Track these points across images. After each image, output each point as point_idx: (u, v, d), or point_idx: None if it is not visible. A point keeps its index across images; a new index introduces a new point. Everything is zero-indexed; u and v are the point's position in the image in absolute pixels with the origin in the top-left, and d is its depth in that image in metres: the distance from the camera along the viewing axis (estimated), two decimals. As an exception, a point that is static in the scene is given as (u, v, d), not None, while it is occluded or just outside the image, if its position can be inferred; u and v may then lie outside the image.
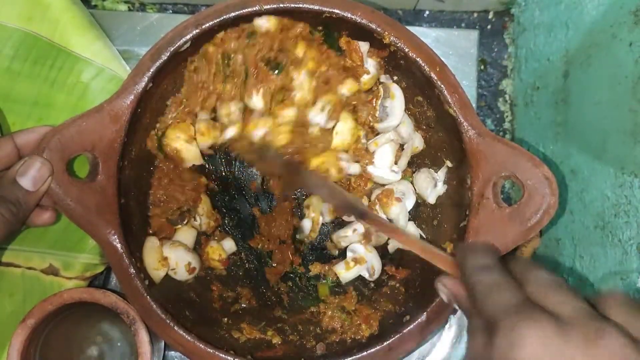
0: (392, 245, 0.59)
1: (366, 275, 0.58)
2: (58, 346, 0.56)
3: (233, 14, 0.48)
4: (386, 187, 0.57)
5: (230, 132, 0.53)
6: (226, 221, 0.63)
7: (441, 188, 0.55)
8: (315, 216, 0.60)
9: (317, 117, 0.53)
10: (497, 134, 0.69)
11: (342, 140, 0.55)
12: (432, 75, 0.48)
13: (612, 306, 0.31)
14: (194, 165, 0.56)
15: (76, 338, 0.59)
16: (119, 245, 0.47)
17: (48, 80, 0.57)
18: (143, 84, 0.47)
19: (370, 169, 0.56)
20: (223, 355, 0.47)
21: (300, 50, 0.52)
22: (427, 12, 0.72)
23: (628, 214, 0.45)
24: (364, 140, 0.58)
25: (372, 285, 0.59)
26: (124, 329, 0.59)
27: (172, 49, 0.48)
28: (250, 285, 0.60)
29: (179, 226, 0.56)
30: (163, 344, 0.58)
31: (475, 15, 0.72)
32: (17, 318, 0.52)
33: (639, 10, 0.45)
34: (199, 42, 0.50)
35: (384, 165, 0.56)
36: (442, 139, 0.54)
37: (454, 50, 0.68)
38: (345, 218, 0.60)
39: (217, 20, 0.48)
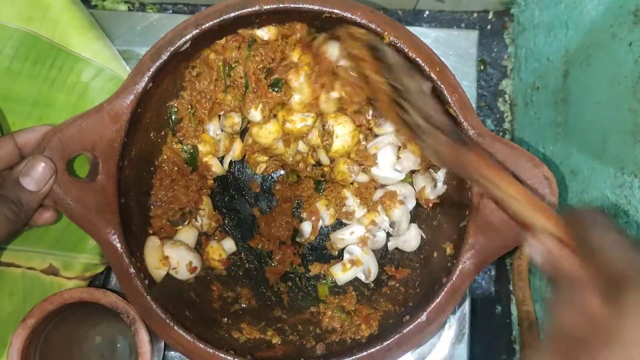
0: (392, 243, 0.59)
1: (362, 278, 0.58)
2: (58, 346, 0.56)
3: (233, 14, 0.48)
4: (389, 188, 0.57)
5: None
6: (226, 221, 0.63)
7: (441, 188, 0.55)
8: (315, 220, 0.61)
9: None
10: (497, 134, 0.69)
11: (343, 143, 0.55)
12: (432, 75, 0.48)
13: None
14: None
15: (76, 338, 0.59)
16: (118, 245, 0.47)
17: (48, 80, 0.57)
18: (143, 84, 0.47)
19: (374, 170, 0.56)
20: (223, 355, 0.47)
21: (296, 56, 0.52)
22: (426, 12, 0.72)
23: (628, 214, 0.45)
24: (363, 143, 0.58)
25: (372, 285, 0.59)
26: (124, 329, 0.59)
27: (172, 48, 0.48)
28: (250, 285, 0.60)
29: (180, 227, 0.56)
30: (163, 343, 0.58)
31: (475, 15, 0.72)
32: (17, 318, 0.52)
33: (638, 10, 0.45)
34: (199, 42, 0.50)
35: (387, 165, 0.56)
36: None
37: (453, 51, 0.68)
38: (349, 218, 0.60)
39: (217, 20, 0.48)
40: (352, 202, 0.58)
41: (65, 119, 0.46)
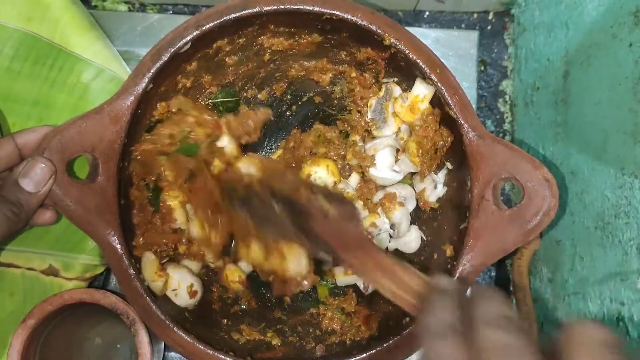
0: (392, 245, 0.59)
1: (360, 287, 0.58)
2: (58, 346, 0.56)
3: (234, 15, 0.48)
4: (389, 190, 0.57)
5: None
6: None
7: (441, 190, 0.55)
8: None
9: None
10: (497, 135, 0.69)
11: (324, 184, 0.56)
12: (433, 77, 0.48)
13: (576, 347, 0.26)
14: None
15: (76, 338, 0.59)
16: (118, 246, 0.47)
17: (48, 80, 0.57)
18: (143, 85, 0.47)
19: (372, 171, 0.56)
20: (222, 357, 0.47)
21: None
22: (427, 13, 0.72)
23: (628, 215, 0.45)
24: (360, 144, 0.58)
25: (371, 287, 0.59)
26: (123, 330, 0.59)
27: (173, 50, 0.48)
28: (249, 287, 0.60)
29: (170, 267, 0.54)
30: (163, 344, 0.58)
31: (475, 15, 0.72)
32: (17, 318, 0.52)
33: (639, 11, 0.45)
34: (200, 43, 0.49)
35: (385, 166, 0.56)
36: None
37: (453, 51, 0.68)
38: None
39: (218, 21, 0.48)
40: (356, 204, 0.58)
41: (66, 120, 0.46)
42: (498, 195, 0.47)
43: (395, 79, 0.55)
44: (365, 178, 0.59)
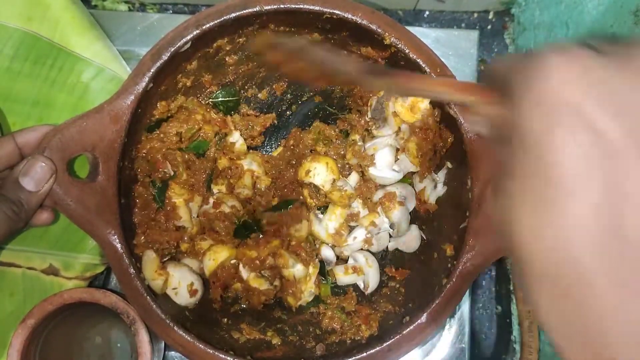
0: (392, 244, 0.59)
1: (361, 286, 0.58)
2: (58, 346, 0.56)
3: (234, 15, 0.48)
4: (389, 189, 0.57)
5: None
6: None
7: (441, 189, 0.55)
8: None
9: None
10: (497, 135, 0.69)
11: (323, 181, 0.56)
12: (433, 76, 0.48)
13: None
14: None
15: (76, 338, 0.59)
16: (118, 246, 0.47)
17: (48, 80, 0.57)
18: (144, 84, 0.47)
19: (372, 170, 0.56)
20: (223, 356, 0.47)
21: None
22: (427, 13, 0.72)
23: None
24: (360, 143, 0.58)
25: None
26: (124, 329, 0.59)
27: (173, 49, 0.48)
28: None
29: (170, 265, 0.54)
30: (163, 344, 0.58)
31: (476, 15, 0.72)
32: (17, 318, 0.52)
33: (639, 11, 0.45)
34: (200, 43, 0.49)
35: (385, 165, 0.56)
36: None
37: (454, 51, 0.68)
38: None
39: (218, 20, 0.48)
40: (355, 203, 0.58)
41: (66, 119, 0.46)
42: (498, 194, 0.47)
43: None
44: (364, 177, 0.59)
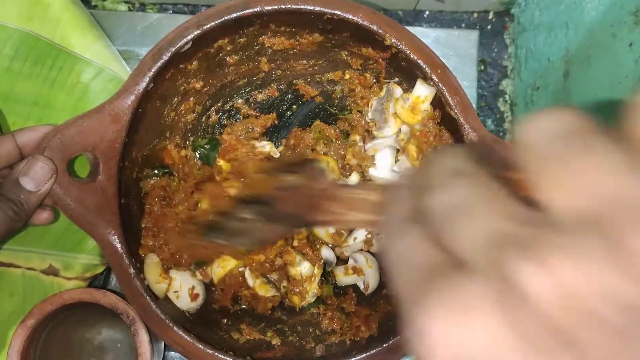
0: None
1: (361, 287, 0.58)
2: (58, 347, 0.56)
3: (234, 15, 0.48)
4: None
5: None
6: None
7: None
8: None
9: None
10: (497, 134, 0.69)
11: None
12: (434, 77, 0.48)
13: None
14: None
15: (76, 338, 0.59)
16: (118, 246, 0.47)
17: (48, 80, 0.57)
18: (144, 85, 0.47)
19: (372, 171, 0.56)
20: (222, 356, 0.47)
21: None
22: (427, 13, 0.72)
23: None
24: (360, 144, 0.58)
25: (372, 286, 0.58)
26: (123, 330, 0.59)
27: (174, 49, 0.48)
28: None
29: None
30: (163, 344, 0.58)
31: (475, 15, 0.72)
32: (17, 318, 0.52)
33: (639, 11, 0.45)
34: (200, 43, 0.49)
35: (385, 166, 0.56)
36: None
37: (454, 51, 0.68)
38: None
39: (219, 20, 0.48)
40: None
41: (66, 120, 0.46)
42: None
43: (396, 79, 0.55)
44: (365, 178, 0.59)
